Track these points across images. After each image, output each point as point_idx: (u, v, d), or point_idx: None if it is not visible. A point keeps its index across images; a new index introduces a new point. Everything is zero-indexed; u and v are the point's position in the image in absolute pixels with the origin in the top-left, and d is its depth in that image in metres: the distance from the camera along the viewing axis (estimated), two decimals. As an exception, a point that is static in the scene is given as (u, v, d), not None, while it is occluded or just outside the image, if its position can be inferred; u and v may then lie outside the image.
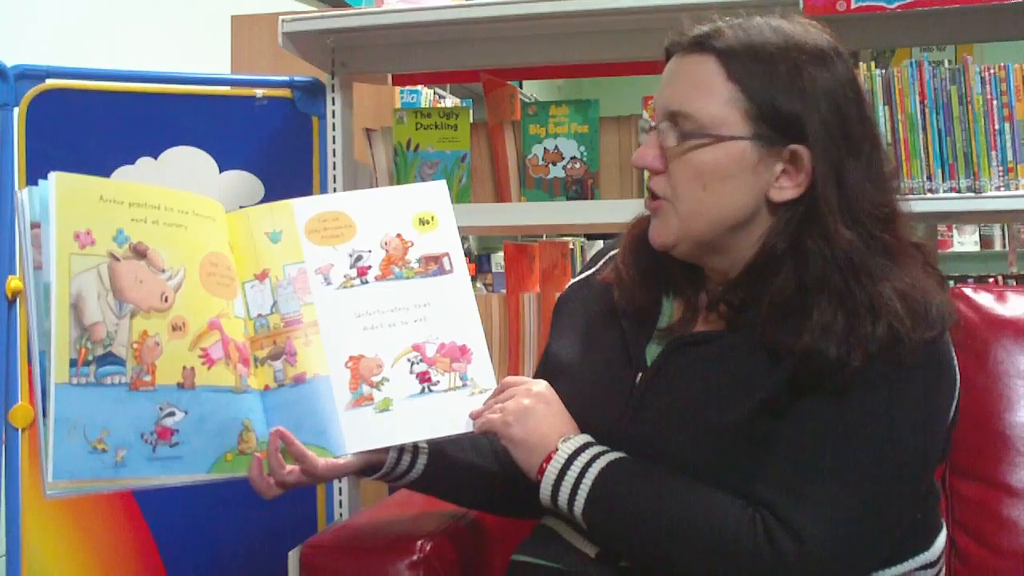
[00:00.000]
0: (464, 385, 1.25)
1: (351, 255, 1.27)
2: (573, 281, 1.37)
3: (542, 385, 1.21)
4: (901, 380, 1.06)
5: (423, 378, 1.24)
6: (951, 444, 1.21)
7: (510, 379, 1.24)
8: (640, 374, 1.19)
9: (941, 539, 1.22)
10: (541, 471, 1.15)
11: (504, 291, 2.20)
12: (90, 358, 1.08)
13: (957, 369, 1.14)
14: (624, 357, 1.21)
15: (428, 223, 1.31)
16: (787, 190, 1.11)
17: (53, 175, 1.11)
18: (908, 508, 1.13)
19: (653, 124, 1.16)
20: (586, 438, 1.17)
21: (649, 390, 1.17)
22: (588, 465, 1.13)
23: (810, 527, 1.03)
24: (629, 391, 1.18)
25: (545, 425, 1.17)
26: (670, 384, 1.16)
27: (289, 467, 1.18)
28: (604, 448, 1.16)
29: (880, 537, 1.08)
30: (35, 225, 1.11)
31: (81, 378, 1.07)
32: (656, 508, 1.10)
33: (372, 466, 1.25)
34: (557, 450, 1.15)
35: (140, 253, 1.15)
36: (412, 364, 1.25)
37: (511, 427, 1.17)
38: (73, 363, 1.07)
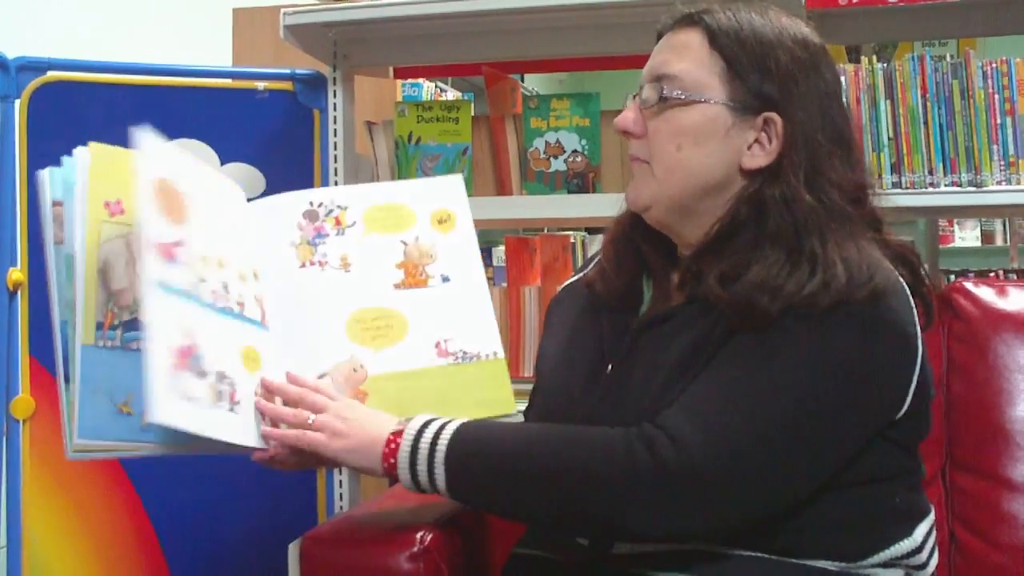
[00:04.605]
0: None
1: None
2: (565, 283, 1.39)
3: (325, 396, 1.20)
4: (824, 331, 1.05)
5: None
6: (930, 421, 1.18)
7: (293, 391, 1.21)
8: (611, 363, 1.20)
9: (924, 525, 1.17)
10: (389, 463, 1.14)
11: (505, 284, 2.20)
12: (116, 323, 1.08)
13: (918, 337, 1.11)
14: (601, 349, 1.22)
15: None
16: (759, 157, 1.14)
17: (84, 149, 1.12)
18: (828, 458, 1.08)
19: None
20: (423, 418, 1.16)
21: (614, 375, 1.18)
22: (436, 438, 1.12)
23: (691, 433, 1.02)
24: (599, 380, 1.19)
25: (365, 423, 1.17)
26: (632, 367, 1.17)
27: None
28: (446, 419, 1.15)
29: (779, 472, 1.05)
30: (56, 203, 1.12)
31: (108, 341, 1.08)
32: (522, 454, 1.09)
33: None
34: (394, 440, 1.14)
35: None
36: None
37: (332, 442, 1.16)
38: (99, 326, 1.07)
